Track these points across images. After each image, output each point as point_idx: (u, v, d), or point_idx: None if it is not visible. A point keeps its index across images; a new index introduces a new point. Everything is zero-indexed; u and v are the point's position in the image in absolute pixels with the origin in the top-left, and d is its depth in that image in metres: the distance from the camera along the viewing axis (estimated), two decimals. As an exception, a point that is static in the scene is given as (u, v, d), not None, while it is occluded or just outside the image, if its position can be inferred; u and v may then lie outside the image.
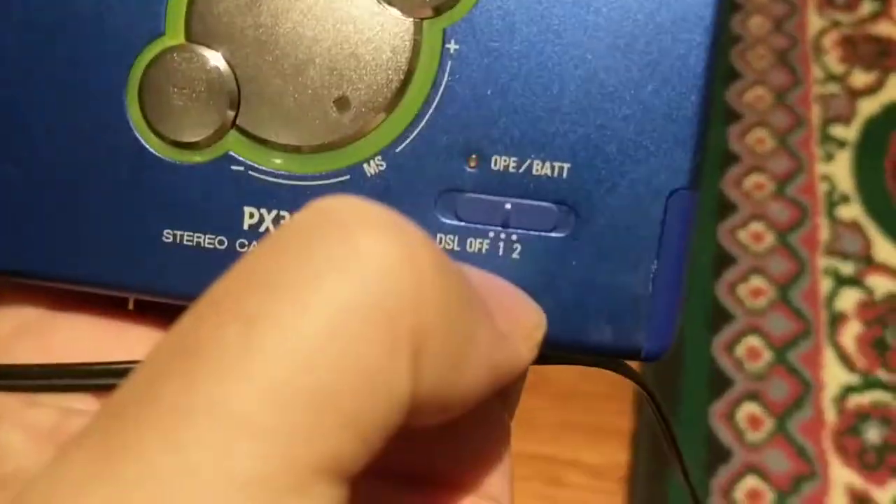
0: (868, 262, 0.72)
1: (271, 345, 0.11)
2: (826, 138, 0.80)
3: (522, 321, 0.14)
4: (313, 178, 0.15)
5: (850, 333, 0.69)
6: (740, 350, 0.69)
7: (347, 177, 0.15)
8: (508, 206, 0.15)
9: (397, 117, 0.15)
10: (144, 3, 0.16)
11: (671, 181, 0.15)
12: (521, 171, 0.15)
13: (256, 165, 0.16)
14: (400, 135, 0.15)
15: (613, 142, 0.15)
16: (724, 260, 0.73)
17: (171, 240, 0.16)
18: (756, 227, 0.75)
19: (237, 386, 0.10)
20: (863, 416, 0.65)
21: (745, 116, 0.82)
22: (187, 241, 0.16)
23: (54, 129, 0.16)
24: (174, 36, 0.16)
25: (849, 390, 0.66)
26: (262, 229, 0.16)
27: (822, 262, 0.72)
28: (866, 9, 0.89)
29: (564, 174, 0.15)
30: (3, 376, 0.16)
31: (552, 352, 0.15)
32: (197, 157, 0.16)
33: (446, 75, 0.15)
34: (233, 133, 0.16)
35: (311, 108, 0.15)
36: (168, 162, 0.16)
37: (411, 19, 0.15)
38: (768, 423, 0.65)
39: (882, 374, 0.66)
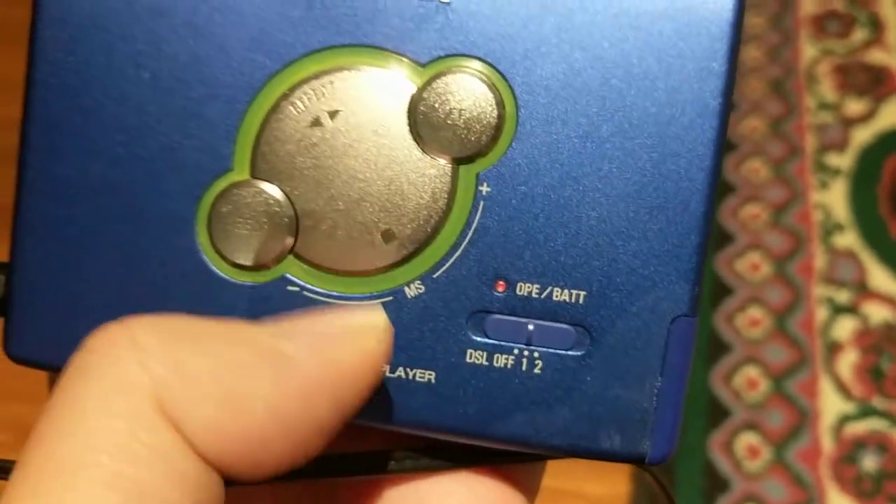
0: (863, 289, 0.73)
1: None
2: (820, 167, 0.81)
3: (340, 328, 0.16)
4: (360, 298, 0.18)
5: (847, 362, 0.70)
6: (738, 380, 0.70)
7: (391, 298, 0.18)
8: (531, 326, 0.18)
9: (435, 248, 0.18)
10: (215, 142, 0.18)
11: (674, 309, 0.17)
12: (543, 296, 0.18)
13: (310, 287, 0.18)
14: (437, 262, 0.18)
15: (624, 274, 0.17)
16: (722, 290, 0.74)
17: None
18: (753, 256, 0.76)
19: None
20: (859, 443, 0.66)
21: (740, 146, 0.84)
22: None
23: (127, 249, 0.18)
24: (241, 171, 0.18)
25: (845, 418, 0.67)
26: None
27: (818, 290, 0.74)
28: (858, 37, 0.91)
29: (581, 300, 0.17)
30: None
31: (566, 455, 0.18)
32: (257, 278, 0.18)
33: (479, 213, 0.17)
34: (290, 258, 0.18)
35: (360, 239, 0.18)
36: (231, 282, 0.18)
37: (449, 165, 0.17)
38: (766, 452, 0.66)
39: (878, 402, 0.67)
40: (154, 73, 0.18)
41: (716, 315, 0.73)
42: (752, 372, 0.70)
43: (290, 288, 0.18)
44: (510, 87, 0.17)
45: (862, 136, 0.83)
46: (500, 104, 0.17)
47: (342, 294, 0.18)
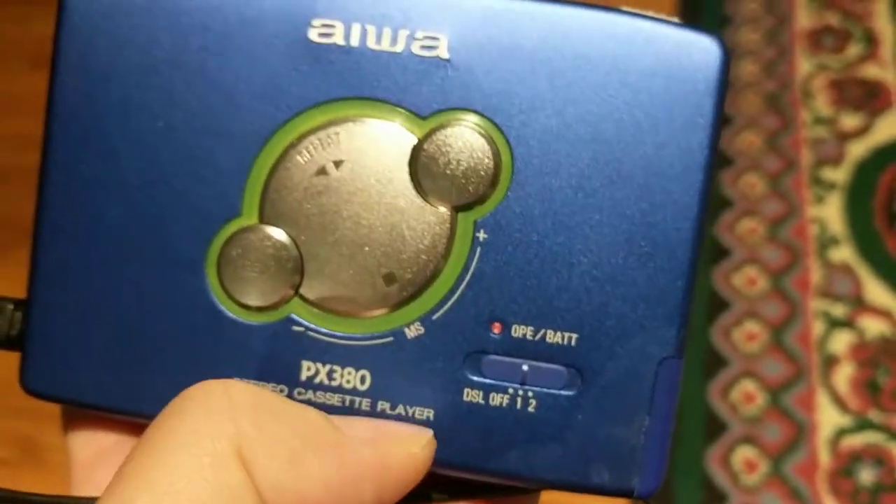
0: (859, 303, 0.74)
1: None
2: (816, 181, 0.82)
3: (395, 431, 0.18)
4: (362, 338, 0.19)
5: (843, 375, 0.70)
6: (735, 394, 0.70)
7: (391, 338, 0.19)
8: (526, 367, 0.18)
9: (434, 291, 0.18)
10: (225, 188, 0.19)
11: (661, 351, 0.18)
12: (537, 338, 0.18)
13: (314, 327, 0.19)
14: (436, 305, 0.18)
15: (614, 318, 0.18)
16: (718, 305, 0.75)
17: None
18: (750, 271, 0.77)
19: None
20: (856, 457, 0.66)
21: (737, 161, 0.85)
22: None
23: (140, 289, 0.19)
24: (249, 216, 0.19)
25: (842, 432, 0.67)
26: (317, 380, 0.19)
27: (815, 304, 0.74)
28: (853, 51, 0.92)
29: (573, 342, 0.18)
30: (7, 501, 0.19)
31: (558, 489, 0.19)
32: (264, 318, 0.19)
33: (476, 259, 0.18)
34: (296, 299, 0.19)
35: (363, 282, 0.18)
36: (239, 322, 0.19)
37: (448, 212, 0.18)
38: (763, 466, 0.67)
39: (874, 416, 0.68)
40: (167, 122, 0.19)
41: (713, 329, 0.73)
42: (749, 386, 0.71)
43: (295, 328, 0.19)
44: (506, 139, 0.18)
45: (857, 150, 0.84)
46: (496, 155, 0.18)
47: (345, 334, 0.19)
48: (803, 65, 0.91)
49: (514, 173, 0.18)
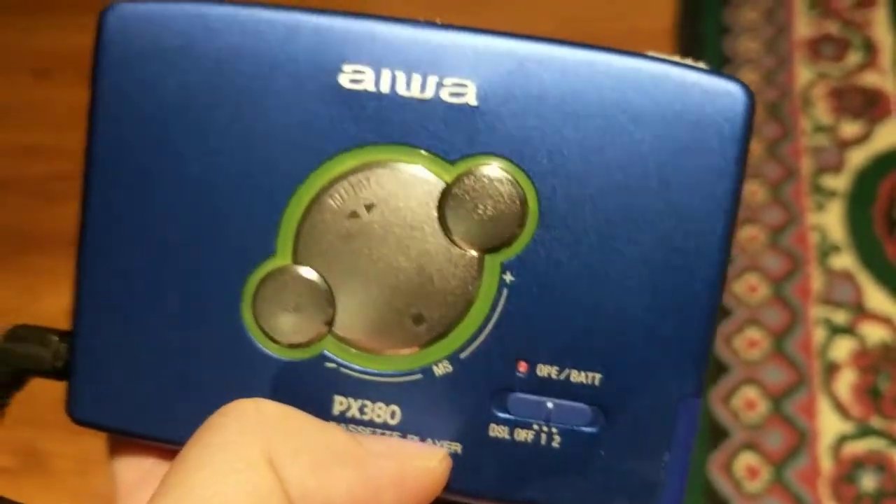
0: (860, 310, 0.74)
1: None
2: (817, 189, 0.82)
3: (413, 447, 0.19)
4: (391, 374, 0.19)
5: (845, 382, 0.70)
6: (737, 401, 0.70)
7: (420, 375, 0.19)
8: (550, 405, 0.19)
9: (462, 330, 0.19)
10: (260, 230, 0.19)
11: (682, 391, 0.19)
12: (561, 377, 0.19)
13: (346, 363, 0.19)
14: (463, 344, 0.19)
15: (636, 359, 0.19)
16: (720, 312, 0.75)
17: None
18: (751, 278, 0.77)
19: None
20: (858, 463, 0.66)
21: (737, 169, 0.85)
22: None
23: (179, 324, 0.20)
24: (283, 256, 0.19)
25: (844, 438, 0.68)
26: (348, 414, 0.19)
27: (816, 311, 0.74)
28: (853, 60, 0.92)
29: (597, 382, 0.19)
30: None
31: None
32: (298, 355, 0.19)
33: (503, 300, 0.19)
34: (328, 337, 0.19)
35: (392, 321, 0.19)
36: (273, 357, 0.20)
37: (476, 254, 0.19)
38: (765, 473, 0.67)
39: (876, 422, 0.68)
40: (204, 165, 0.19)
41: (714, 337, 0.73)
42: (750, 393, 0.71)
43: (328, 364, 0.19)
44: (533, 183, 0.18)
45: (857, 158, 0.84)
46: (523, 200, 0.18)
47: (376, 371, 0.19)
48: (803, 73, 0.92)
49: (540, 217, 0.18)
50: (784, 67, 0.93)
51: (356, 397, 0.19)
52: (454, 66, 0.18)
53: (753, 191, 0.83)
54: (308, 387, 0.19)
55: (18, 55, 1.09)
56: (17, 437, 0.73)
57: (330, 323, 0.19)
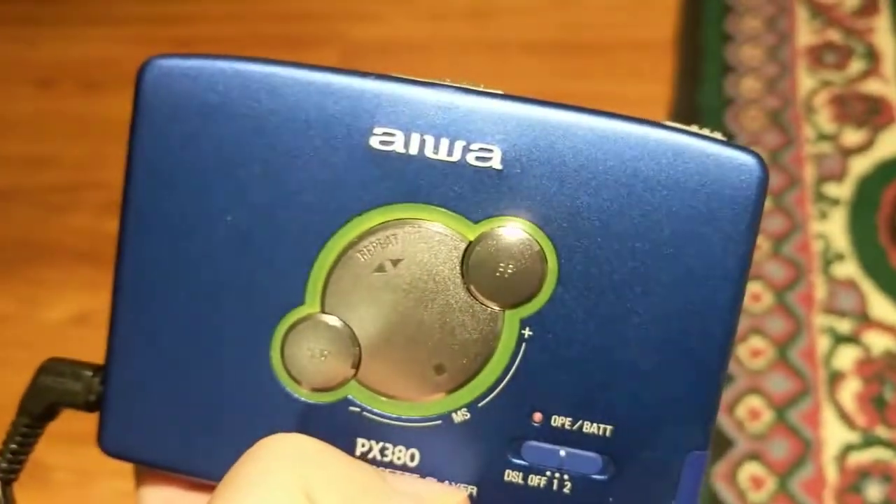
0: (864, 319, 0.73)
1: None
2: (820, 197, 0.82)
3: (435, 488, 0.20)
4: (413, 420, 0.20)
5: (849, 391, 0.70)
6: (741, 411, 0.70)
7: (440, 422, 0.20)
8: (563, 453, 0.20)
9: (481, 381, 0.20)
10: (290, 280, 0.20)
11: (689, 444, 0.19)
12: (574, 428, 0.20)
13: (370, 408, 0.20)
14: (482, 394, 0.20)
15: (648, 412, 0.19)
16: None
17: None
18: (754, 287, 0.77)
19: None
20: (863, 473, 0.66)
21: (739, 177, 0.85)
22: None
23: (210, 365, 0.21)
24: (312, 305, 0.20)
25: (849, 448, 0.67)
26: (370, 456, 0.20)
27: (819, 320, 0.74)
28: (855, 68, 0.92)
29: (608, 433, 0.20)
30: None
31: None
32: (323, 398, 0.20)
33: (521, 353, 0.20)
34: (353, 382, 0.20)
35: (415, 370, 0.20)
36: (300, 400, 0.21)
37: (497, 310, 0.20)
38: (770, 483, 0.66)
39: (882, 432, 0.68)
40: (236, 217, 0.20)
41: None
42: (754, 402, 0.70)
43: (352, 409, 0.20)
44: (553, 244, 0.19)
45: (861, 165, 0.84)
46: (543, 259, 0.19)
47: (398, 416, 0.20)
48: (805, 81, 0.92)
49: (559, 277, 0.19)
50: (786, 75, 0.92)
51: (378, 440, 0.20)
52: (480, 132, 0.19)
53: (756, 199, 0.83)
54: (332, 428, 0.20)
55: (21, 66, 1.09)
56: (17, 449, 0.72)
57: (355, 369, 0.20)
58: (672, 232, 0.19)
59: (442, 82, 0.20)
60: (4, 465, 0.29)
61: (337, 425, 0.20)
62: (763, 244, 0.79)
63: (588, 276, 0.19)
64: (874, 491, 0.65)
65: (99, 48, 1.09)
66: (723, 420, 0.70)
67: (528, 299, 0.19)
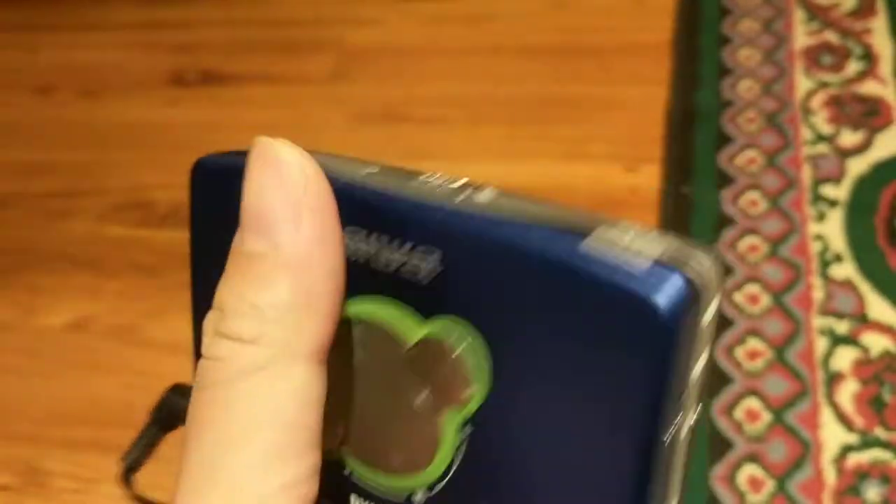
0: (863, 320, 0.73)
1: None
2: (817, 198, 0.82)
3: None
4: (386, 494, 0.22)
5: (848, 392, 0.70)
6: (739, 412, 0.70)
7: (404, 498, 0.21)
8: None
9: (434, 468, 0.21)
10: None
11: None
12: None
13: (356, 473, 0.22)
14: (435, 480, 0.21)
15: None
16: (721, 323, 0.74)
17: None
18: (751, 288, 0.77)
19: None
20: (862, 474, 0.66)
21: (737, 180, 0.85)
22: None
23: None
24: None
25: (847, 449, 0.67)
26: None
27: (817, 321, 0.74)
28: (852, 69, 0.92)
29: None
30: None
31: None
32: (327, 456, 0.21)
33: (463, 447, 0.21)
34: (345, 448, 0.22)
35: (381, 452, 0.22)
36: None
37: (438, 409, 0.20)
38: (769, 485, 0.66)
39: (880, 433, 0.68)
40: None
41: (715, 348, 0.73)
42: (752, 404, 0.70)
43: (344, 471, 0.22)
44: (489, 346, 0.19)
45: (858, 167, 0.84)
46: (481, 360, 0.20)
47: (376, 487, 0.22)
48: (802, 83, 0.92)
49: (494, 377, 0.20)
50: (783, 77, 0.93)
51: (364, 499, 0.22)
52: (421, 235, 0.20)
53: (753, 200, 0.83)
54: (332, 485, 0.21)
55: (21, 73, 1.09)
56: (16, 456, 0.73)
57: (342, 437, 0.21)
58: (594, 351, 0.18)
59: (428, 179, 0.21)
60: (134, 455, 0.37)
61: (331, 484, 0.21)
62: (761, 246, 0.79)
63: (521, 378, 0.19)
64: (873, 492, 0.65)
65: (98, 54, 1.09)
66: (721, 422, 0.70)
67: (467, 401, 0.20)
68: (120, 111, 1.02)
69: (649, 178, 0.86)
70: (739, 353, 0.73)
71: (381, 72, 1.01)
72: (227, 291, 0.18)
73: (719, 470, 0.67)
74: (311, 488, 0.18)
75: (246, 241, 0.18)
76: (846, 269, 0.77)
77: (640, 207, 0.84)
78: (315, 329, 0.18)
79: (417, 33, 1.05)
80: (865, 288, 0.75)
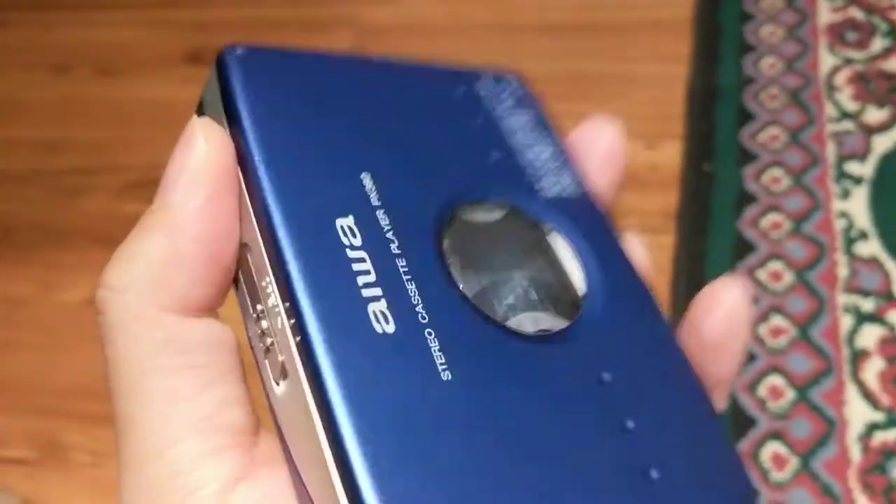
0: (889, 298, 0.72)
1: None
2: (842, 175, 0.81)
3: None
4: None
5: (873, 370, 0.69)
6: (762, 390, 0.69)
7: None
8: None
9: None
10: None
11: None
12: None
13: None
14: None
15: None
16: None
17: None
18: (774, 266, 0.76)
19: None
20: (888, 453, 0.65)
21: (760, 157, 0.84)
22: None
23: None
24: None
25: (873, 427, 0.66)
26: None
27: (842, 299, 0.73)
28: (878, 45, 0.91)
29: None
30: None
31: None
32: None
33: None
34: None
35: None
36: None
37: None
38: (793, 463, 0.65)
39: (906, 411, 0.67)
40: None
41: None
42: (776, 381, 0.70)
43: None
44: None
45: (883, 144, 0.83)
46: None
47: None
48: (827, 60, 0.90)
49: None
50: (807, 54, 0.91)
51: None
52: None
53: (776, 177, 0.82)
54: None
55: (37, 51, 1.09)
56: (35, 429, 0.73)
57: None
58: None
59: None
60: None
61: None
62: (783, 223, 0.78)
63: None
64: (899, 471, 0.64)
65: (114, 32, 1.09)
66: (744, 399, 0.69)
67: None
68: (137, 89, 1.02)
69: (671, 155, 0.85)
70: (763, 329, 0.72)
71: (397, 50, 1.00)
72: (121, 246, 0.19)
73: (742, 447, 0.66)
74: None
75: (155, 199, 0.19)
76: (872, 247, 0.75)
77: (660, 185, 0.83)
78: (182, 286, 0.18)
79: (435, 11, 1.04)
80: (892, 265, 0.74)
